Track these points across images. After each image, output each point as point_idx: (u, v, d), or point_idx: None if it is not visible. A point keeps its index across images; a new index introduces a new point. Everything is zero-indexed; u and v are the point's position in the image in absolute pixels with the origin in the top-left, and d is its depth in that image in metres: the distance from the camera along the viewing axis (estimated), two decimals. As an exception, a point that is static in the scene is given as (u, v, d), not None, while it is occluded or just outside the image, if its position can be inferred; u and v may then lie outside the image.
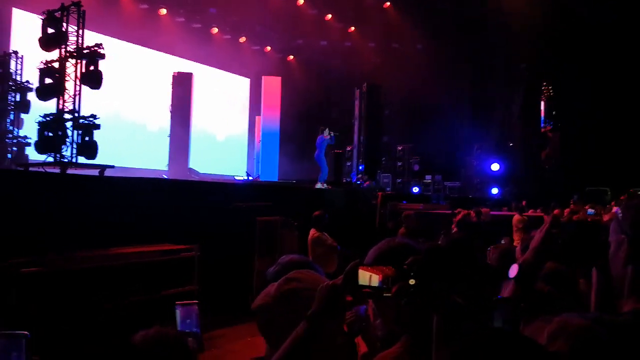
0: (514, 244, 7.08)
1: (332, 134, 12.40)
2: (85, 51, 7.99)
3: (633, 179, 15.56)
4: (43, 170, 7.03)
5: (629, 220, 1.35)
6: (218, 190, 8.72)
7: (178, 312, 1.88)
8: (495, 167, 17.23)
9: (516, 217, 9.53)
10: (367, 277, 1.31)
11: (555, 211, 9.58)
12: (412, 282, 1.24)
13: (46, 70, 7.87)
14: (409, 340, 1.43)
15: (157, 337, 1.59)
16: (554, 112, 21.56)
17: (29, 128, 10.16)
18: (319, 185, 11.88)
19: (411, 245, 1.51)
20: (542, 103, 20.81)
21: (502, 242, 5.26)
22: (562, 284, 2.07)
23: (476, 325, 1.25)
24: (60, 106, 7.79)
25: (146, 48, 15.83)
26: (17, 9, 12.70)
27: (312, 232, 6.73)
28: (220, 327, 6.47)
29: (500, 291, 1.84)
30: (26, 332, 1.47)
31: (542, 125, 21.07)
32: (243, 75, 19.48)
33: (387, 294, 1.28)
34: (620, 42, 18.18)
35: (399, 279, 1.26)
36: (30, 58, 10.41)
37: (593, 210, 9.74)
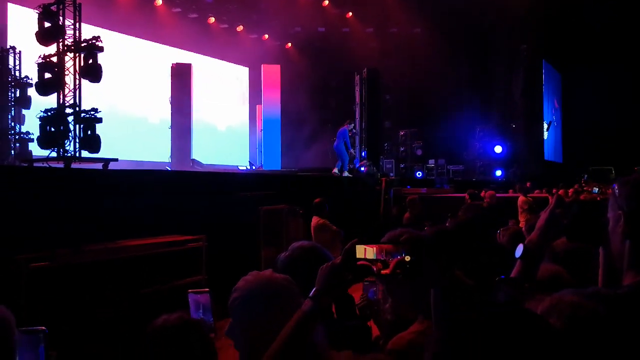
0: (520, 225, 7.09)
1: (353, 130, 12.63)
2: (83, 44, 7.94)
3: (637, 158, 15.54)
4: (47, 166, 7.03)
5: (625, 195, 1.37)
6: (222, 180, 8.73)
7: (191, 300, 1.90)
8: (498, 149, 17.19)
9: (521, 198, 9.51)
10: (364, 251, 1.39)
11: (560, 191, 9.60)
12: (407, 258, 1.31)
13: (45, 65, 7.82)
14: (425, 320, 1.46)
15: (178, 322, 1.61)
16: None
17: (31, 124, 10.15)
18: (336, 172, 11.92)
19: (417, 234, 1.59)
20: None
21: (510, 224, 5.27)
22: (576, 263, 2.08)
23: (480, 303, 1.27)
24: (61, 101, 7.76)
25: (143, 40, 15.73)
26: (12, 4, 12.61)
27: (316, 219, 6.76)
28: (228, 317, 6.52)
29: (510, 272, 1.85)
30: (44, 328, 1.48)
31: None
32: (242, 64, 19.39)
33: (384, 271, 1.34)
34: (621, 20, 18.00)
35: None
36: (28, 53, 10.36)
37: (597, 189, 9.75)
